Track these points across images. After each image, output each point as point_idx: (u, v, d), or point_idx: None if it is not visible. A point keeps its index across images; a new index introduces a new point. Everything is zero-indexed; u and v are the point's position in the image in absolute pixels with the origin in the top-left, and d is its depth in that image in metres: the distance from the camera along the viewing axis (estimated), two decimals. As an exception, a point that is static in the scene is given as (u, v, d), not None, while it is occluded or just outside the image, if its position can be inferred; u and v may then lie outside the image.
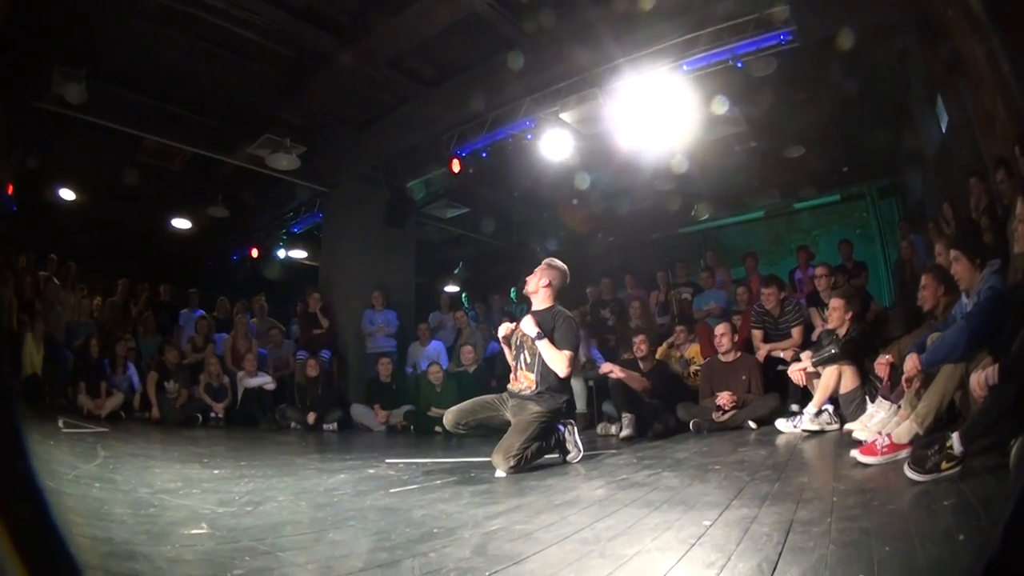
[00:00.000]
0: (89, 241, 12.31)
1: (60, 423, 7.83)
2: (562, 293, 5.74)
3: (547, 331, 5.45)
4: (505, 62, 8.95)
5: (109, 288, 12.04)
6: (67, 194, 12.09)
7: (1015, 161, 5.67)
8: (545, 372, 5.42)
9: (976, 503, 2.84)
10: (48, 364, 9.39)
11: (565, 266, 5.80)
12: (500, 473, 4.86)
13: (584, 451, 5.60)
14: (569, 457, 5.53)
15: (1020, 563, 1.28)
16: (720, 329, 7.75)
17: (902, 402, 4.77)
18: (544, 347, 5.39)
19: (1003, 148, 6.05)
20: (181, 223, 13.75)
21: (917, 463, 3.44)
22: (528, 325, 5.46)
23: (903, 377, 4.75)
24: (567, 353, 5.39)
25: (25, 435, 1.62)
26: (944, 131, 8.46)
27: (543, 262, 5.81)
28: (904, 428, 4.16)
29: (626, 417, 7.39)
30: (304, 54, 9.18)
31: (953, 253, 4.82)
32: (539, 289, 5.65)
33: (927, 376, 4.45)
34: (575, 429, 5.73)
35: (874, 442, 4.20)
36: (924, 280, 5.58)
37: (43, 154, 10.68)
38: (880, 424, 4.97)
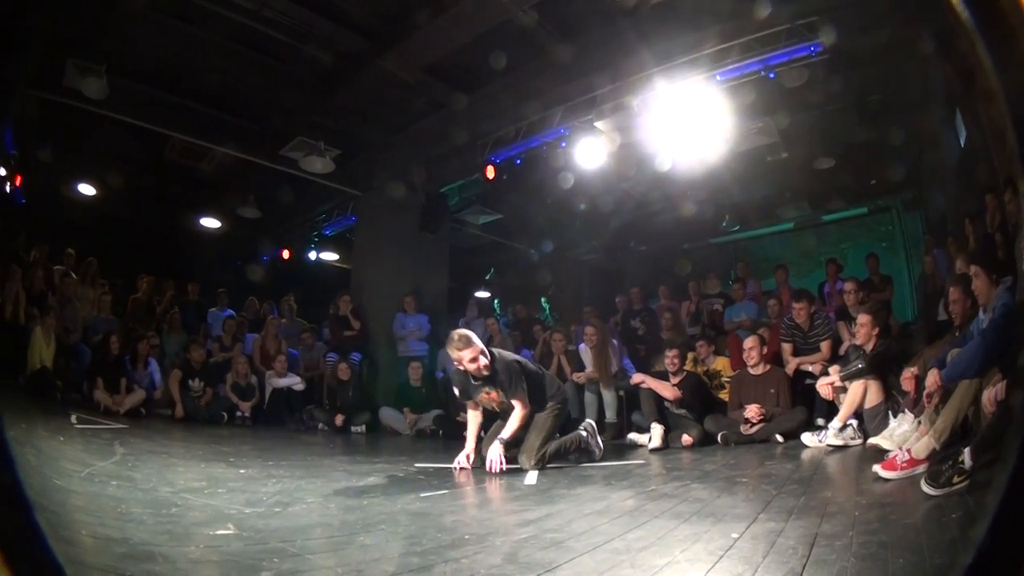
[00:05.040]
0: (112, 237, 12.33)
1: (73, 418, 7.67)
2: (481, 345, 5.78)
3: (507, 389, 5.71)
4: (539, 64, 8.98)
5: (133, 285, 12.00)
6: (86, 189, 12.08)
7: (1020, 179, 5.62)
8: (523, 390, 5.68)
9: (978, 514, 2.88)
10: (62, 359, 9.39)
11: (453, 332, 5.90)
12: (530, 481, 4.90)
13: (614, 460, 5.72)
14: (595, 458, 5.83)
15: (1007, 555, 1.33)
16: (749, 342, 7.72)
17: (922, 417, 4.81)
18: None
19: (1014, 164, 6.00)
20: (210, 222, 13.75)
21: (932, 478, 3.57)
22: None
23: (924, 392, 4.81)
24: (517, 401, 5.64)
25: (11, 445, 1.56)
26: (963, 145, 8.41)
27: (449, 347, 5.78)
28: (923, 444, 4.27)
29: (655, 428, 7.42)
30: (339, 57, 9.18)
31: (973, 269, 4.88)
32: (481, 369, 5.70)
33: (946, 391, 4.52)
34: (595, 430, 6.06)
35: (895, 457, 4.29)
36: (953, 294, 5.56)
37: (69, 149, 10.70)
38: (904, 436, 5.01)
